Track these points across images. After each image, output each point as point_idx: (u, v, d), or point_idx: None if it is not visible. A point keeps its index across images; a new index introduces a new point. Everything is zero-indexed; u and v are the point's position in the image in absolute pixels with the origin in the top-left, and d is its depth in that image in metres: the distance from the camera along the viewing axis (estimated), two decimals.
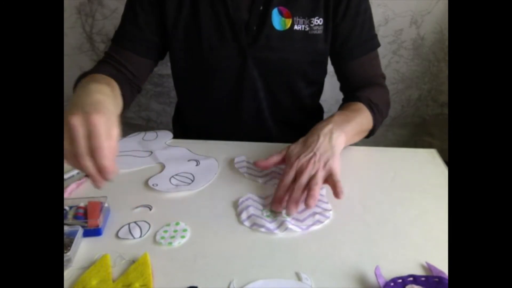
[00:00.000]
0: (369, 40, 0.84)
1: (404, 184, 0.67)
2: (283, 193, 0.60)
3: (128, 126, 1.48)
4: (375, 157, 0.76)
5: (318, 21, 0.79)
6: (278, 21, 0.78)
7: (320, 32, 0.80)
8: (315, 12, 0.78)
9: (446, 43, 1.30)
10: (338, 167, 0.62)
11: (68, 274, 0.48)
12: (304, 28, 0.79)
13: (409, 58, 1.33)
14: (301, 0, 0.78)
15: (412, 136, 1.49)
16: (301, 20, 0.78)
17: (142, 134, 0.82)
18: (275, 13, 0.77)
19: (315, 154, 0.62)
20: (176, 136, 0.82)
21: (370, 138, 1.61)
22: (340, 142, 0.66)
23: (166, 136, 0.81)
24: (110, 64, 0.78)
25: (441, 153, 0.77)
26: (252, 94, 0.84)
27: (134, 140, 0.80)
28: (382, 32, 1.27)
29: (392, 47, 1.31)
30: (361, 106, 0.78)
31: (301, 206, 0.60)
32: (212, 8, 0.78)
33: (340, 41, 0.82)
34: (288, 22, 0.78)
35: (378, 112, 0.80)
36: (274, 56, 0.80)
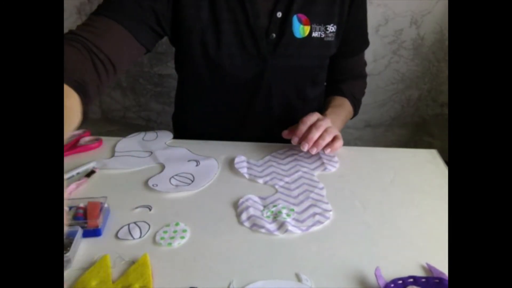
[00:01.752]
0: (365, 39, 0.91)
1: (404, 184, 0.67)
2: (300, 132, 0.71)
3: (128, 126, 1.48)
4: (375, 157, 0.76)
5: (332, 28, 0.79)
6: (298, 28, 0.77)
7: (333, 39, 0.81)
8: (330, 19, 0.79)
9: (446, 43, 1.30)
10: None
11: (68, 274, 0.48)
12: (321, 35, 0.79)
13: (409, 58, 1.33)
14: (318, 6, 0.78)
15: (412, 136, 1.49)
16: (318, 27, 0.78)
17: (142, 134, 0.82)
18: (294, 20, 0.77)
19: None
20: (175, 135, 0.82)
21: (370, 138, 1.61)
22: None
23: (166, 136, 0.81)
24: (77, 42, 0.61)
25: (441, 153, 0.77)
26: (265, 99, 0.84)
27: (134, 140, 0.80)
28: (382, 32, 1.27)
29: (392, 47, 1.31)
30: (346, 103, 0.90)
31: (301, 206, 0.60)
32: (232, 15, 0.75)
33: (344, 41, 0.84)
34: (307, 30, 0.78)
35: (358, 106, 0.95)
36: (292, 63, 0.80)
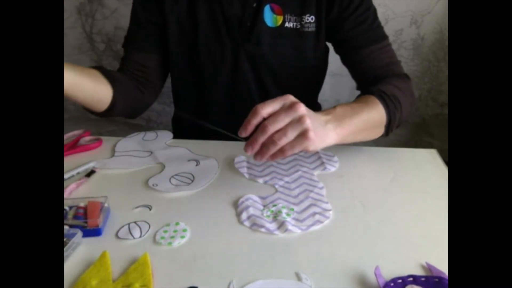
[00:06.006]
0: (371, 29, 0.81)
1: (404, 184, 0.67)
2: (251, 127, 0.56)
3: (128, 126, 1.48)
4: (375, 157, 0.76)
5: (309, 18, 0.79)
6: (270, 17, 0.79)
7: (312, 29, 0.81)
8: (305, 9, 0.79)
9: (446, 43, 1.30)
10: (318, 142, 0.53)
11: (68, 274, 0.48)
12: (296, 25, 0.80)
13: (409, 58, 1.34)
14: None
15: (412, 136, 1.49)
16: (293, 18, 0.79)
17: (142, 134, 0.82)
18: (267, 9, 0.79)
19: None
20: (176, 136, 0.82)
21: None
22: (332, 137, 0.58)
23: (166, 136, 0.81)
24: (121, 69, 0.85)
25: (441, 153, 0.77)
26: (245, 88, 0.85)
27: (134, 140, 0.80)
28: None
29: (392, 47, 1.31)
30: (372, 99, 0.68)
31: (301, 205, 0.60)
32: (208, 4, 0.80)
33: (343, 34, 0.81)
34: (280, 19, 0.80)
35: (394, 104, 0.69)
36: (265, 51, 0.81)
